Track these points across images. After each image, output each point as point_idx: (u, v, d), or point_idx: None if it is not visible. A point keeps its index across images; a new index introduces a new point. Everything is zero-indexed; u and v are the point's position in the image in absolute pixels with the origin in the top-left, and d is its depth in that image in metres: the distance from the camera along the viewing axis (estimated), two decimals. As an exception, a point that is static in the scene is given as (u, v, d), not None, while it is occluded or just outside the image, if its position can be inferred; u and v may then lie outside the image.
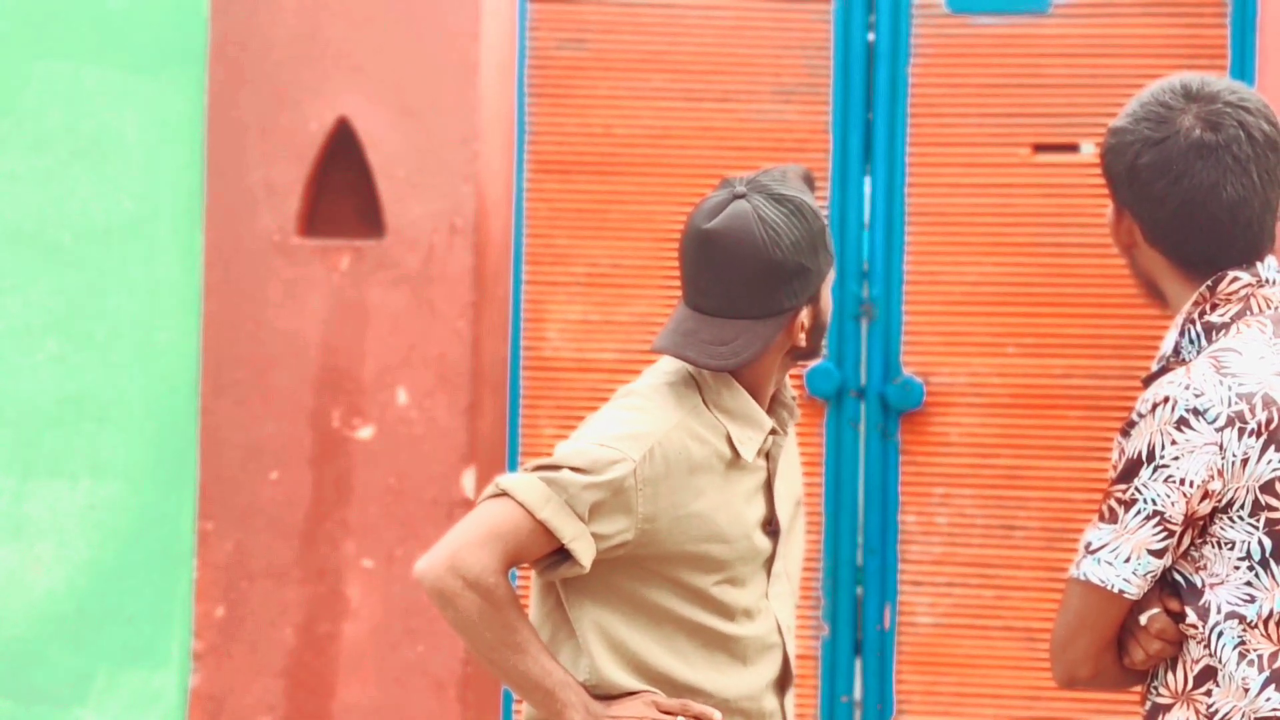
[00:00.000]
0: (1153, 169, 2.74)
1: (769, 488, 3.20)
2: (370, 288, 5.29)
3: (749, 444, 3.14)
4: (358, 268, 5.31)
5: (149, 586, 5.40)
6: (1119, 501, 2.66)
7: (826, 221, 3.15)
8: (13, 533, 5.45)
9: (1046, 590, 5.25)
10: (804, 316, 3.12)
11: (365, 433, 5.30)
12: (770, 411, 3.20)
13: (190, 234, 5.40)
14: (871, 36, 5.32)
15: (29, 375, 5.45)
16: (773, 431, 3.18)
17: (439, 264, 5.26)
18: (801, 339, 3.14)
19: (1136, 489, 2.65)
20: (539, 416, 5.43)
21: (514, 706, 5.45)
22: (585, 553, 3.01)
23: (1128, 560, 2.66)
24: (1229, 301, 2.73)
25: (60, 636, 5.43)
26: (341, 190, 5.37)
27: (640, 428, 3.08)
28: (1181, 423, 2.63)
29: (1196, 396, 2.63)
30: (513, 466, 5.43)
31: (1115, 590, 2.67)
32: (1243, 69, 5.15)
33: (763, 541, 3.17)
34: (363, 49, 5.29)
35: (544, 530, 3.00)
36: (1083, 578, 2.70)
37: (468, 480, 5.26)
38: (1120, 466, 2.67)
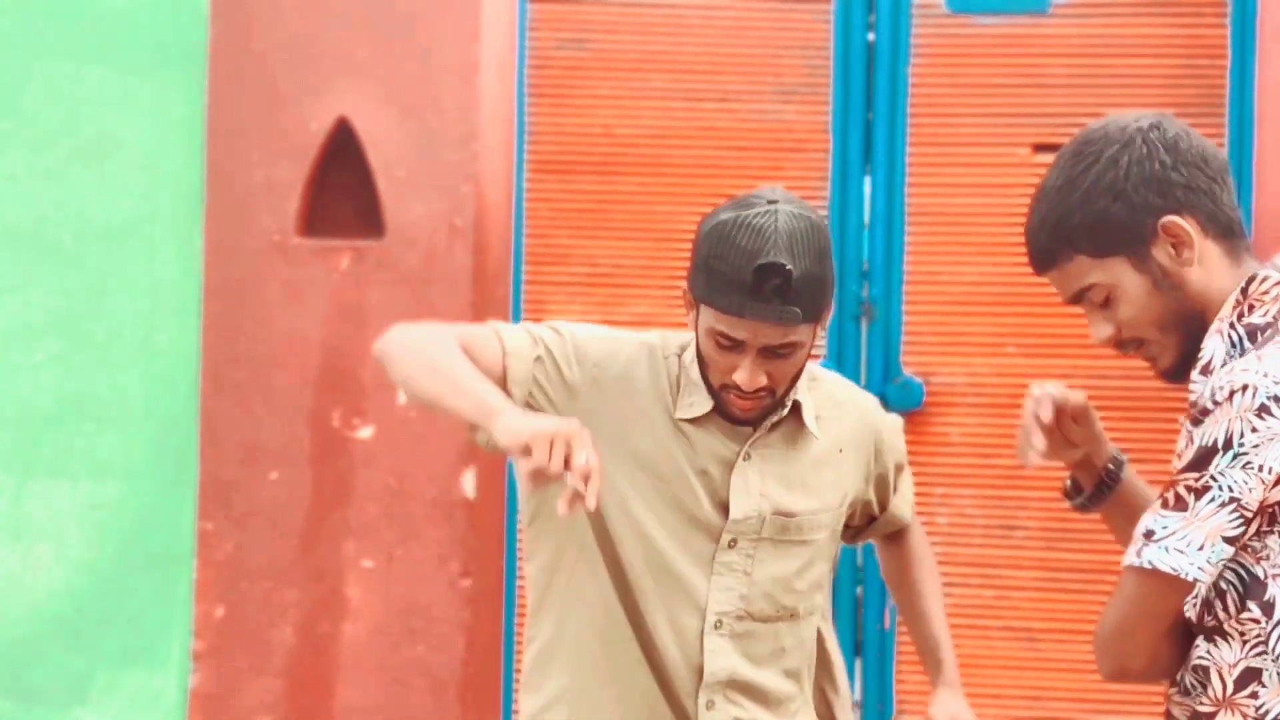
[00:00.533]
0: (1174, 151, 2.72)
1: (729, 469, 3.20)
2: (370, 288, 5.29)
3: (688, 407, 3.20)
4: (358, 268, 5.31)
5: (149, 586, 5.39)
6: (1189, 489, 2.63)
7: (714, 264, 3.08)
8: (13, 533, 5.45)
9: (1046, 590, 5.25)
10: (691, 318, 3.18)
11: (365, 433, 5.30)
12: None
13: (190, 234, 5.40)
14: (871, 36, 5.32)
15: (29, 375, 5.45)
16: (739, 421, 3.19)
17: (439, 264, 5.26)
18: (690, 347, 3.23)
19: (1211, 476, 2.61)
20: (539, 416, 5.42)
21: (514, 707, 5.45)
22: (515, 367, 3.17)
23: (1201, 548, 2.63)
24: (1262, 302, 2.72)
25: (60, 637, 5.42)
26: (341, 190, 5.36)
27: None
28: (1263, 410, 2.60)
29: (1276, 384, 2.62)
30: (512, 466, 5.42)
31: (1190, 579, 2.64)
32: (1243, 69, 5.15)
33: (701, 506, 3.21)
34: (363, 49, 5.29)
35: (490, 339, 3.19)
36: (1148, 565, 2.67)
37: (468, 480, 5.26)
38: (1191, 455, 2.63)
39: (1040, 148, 5.26)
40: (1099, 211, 2.71)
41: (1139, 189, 2.71)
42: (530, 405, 3.18)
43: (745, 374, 3.09)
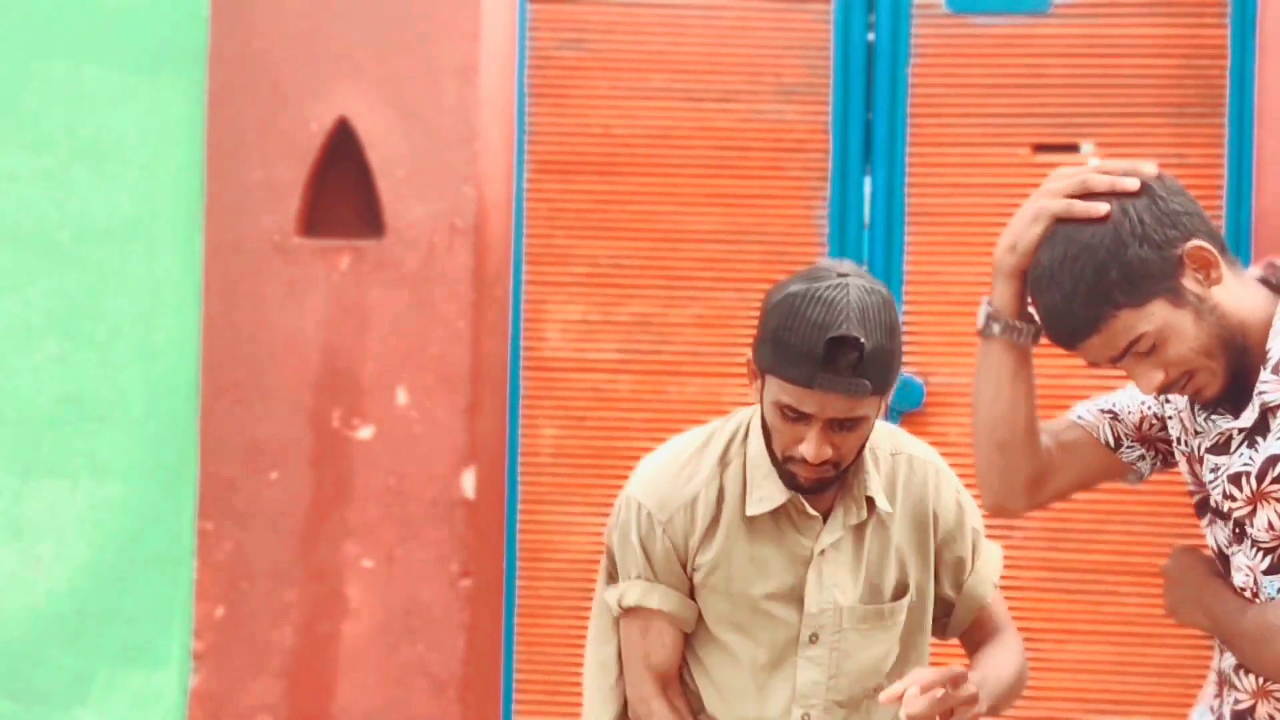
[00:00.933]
0: (1163, 184, 2.75)
1: (805, 564, 3.23)
2: (370, 288, 5.29)
3: (758, 503, 3.22)
4: (358, 268, 5.31)
5: (149, 586, 5.39)
6: None
7: (784, 336, 3.07)
8: (13, 533, 5.45)
9: (1046, 590, 5.25)
10: (755, 388, 3.19)
11: (365, 433, 5.30)
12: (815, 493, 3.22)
13: (190, 234, 5.40)
14: (871, 36, 5.32)
15: (29, 375, 5.45)
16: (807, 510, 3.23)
17: (439, 264, 5.26)
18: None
19: None
20: (539, 416, 5.43)
21: (514, 707, 5.45)
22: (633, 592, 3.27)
23: None
24: None
25: (60, 636, 5.42)
26: (341, 190, 5.36)
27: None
28: None
29: None
30: (512, 466, 5.43)
31: None
32: (1242, 69, 5.15)
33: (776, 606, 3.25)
34: (363, 49, 5.29)
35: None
36: None
37: (468, 480, 5.26)
38: None
39: (1040, 148, 5.26)
40: (1130, 260, 2.71)
41: (1156, 228, 2.72)
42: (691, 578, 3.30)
43: (812, 446, 3.06)
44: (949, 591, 3.36)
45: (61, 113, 5.44)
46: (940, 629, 3.40)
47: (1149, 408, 2.96)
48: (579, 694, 5.14)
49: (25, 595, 5.44)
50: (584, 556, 5.32)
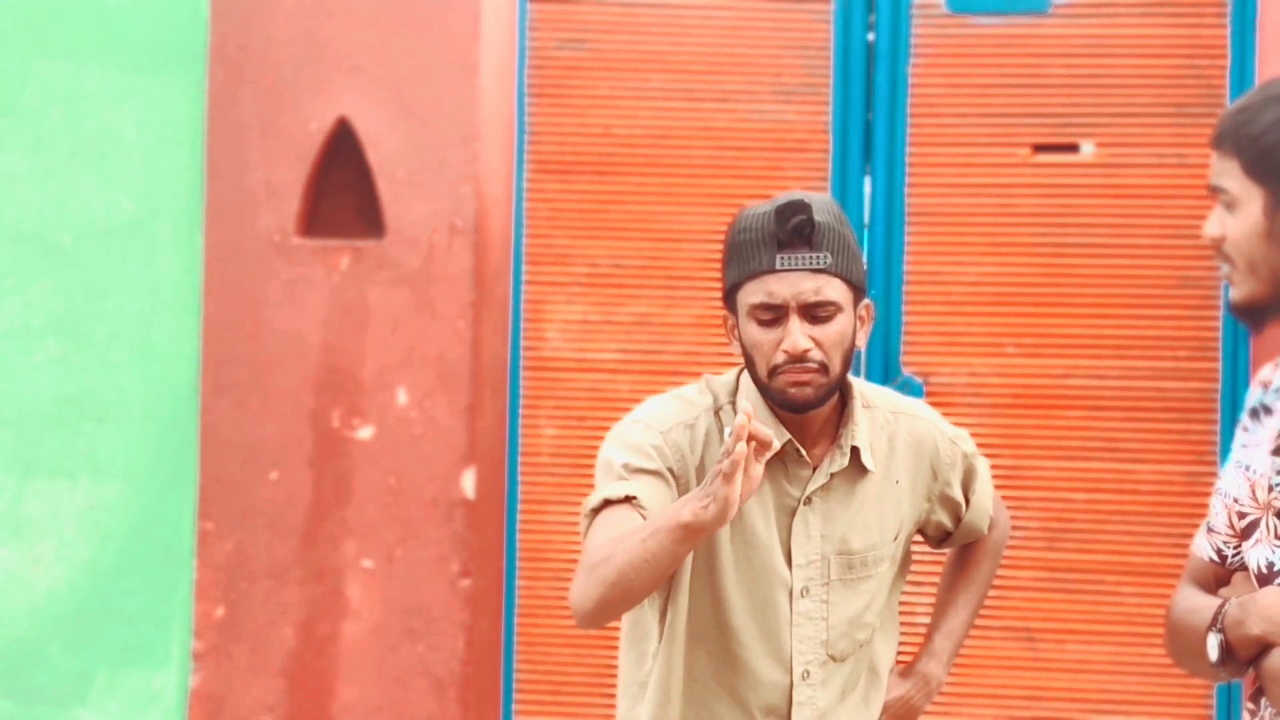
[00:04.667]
0: None
1: (790, 515, 3.22)
2: (370, 288, 5.29)
3: None
4: (358, 268, 5.31)
5: (149, 586, 5.40)
6: None
7: (741, 238, 3.15)
8: (13, 533, 5.45)
9: (1046, 590, 5.25)
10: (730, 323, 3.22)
11: (365, 433, 5.30)
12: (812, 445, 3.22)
13: (190, 234, 5.40)
14: (871, 36, 5.32)
15: (29, 375, 5.45)
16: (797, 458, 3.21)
17: (439, 264, 5.26)
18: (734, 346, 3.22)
19: None
20: (539, 416, 5.43)
21: (514, 706, 5.45)
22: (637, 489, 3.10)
23: None
24: None
25: (60, 636, 5.43)
26: (341, 190, 5.36)
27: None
28: None
29: None
30: (513, 466, 5.43)
31: None
32: (1243, 69, 5.15)
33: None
34: (363, 49, 5.29)
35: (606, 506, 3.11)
36: None
37: (468, 480, 5.26)
38: None
39: (1040, 148, 5.26)
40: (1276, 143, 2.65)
41: None
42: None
43: (790, 337, 3.10)
44: (948, 524, 3.42)
45: (61, 113, 5.44)
46: (935, 543, 3.47)
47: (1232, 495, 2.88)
48: (579, 694, 5.14)
49: (25, 595, 5.44)
50: (584, 556, 5.32)
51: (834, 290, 3.11)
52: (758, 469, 2.82)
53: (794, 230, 3.08)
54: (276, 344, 5.32)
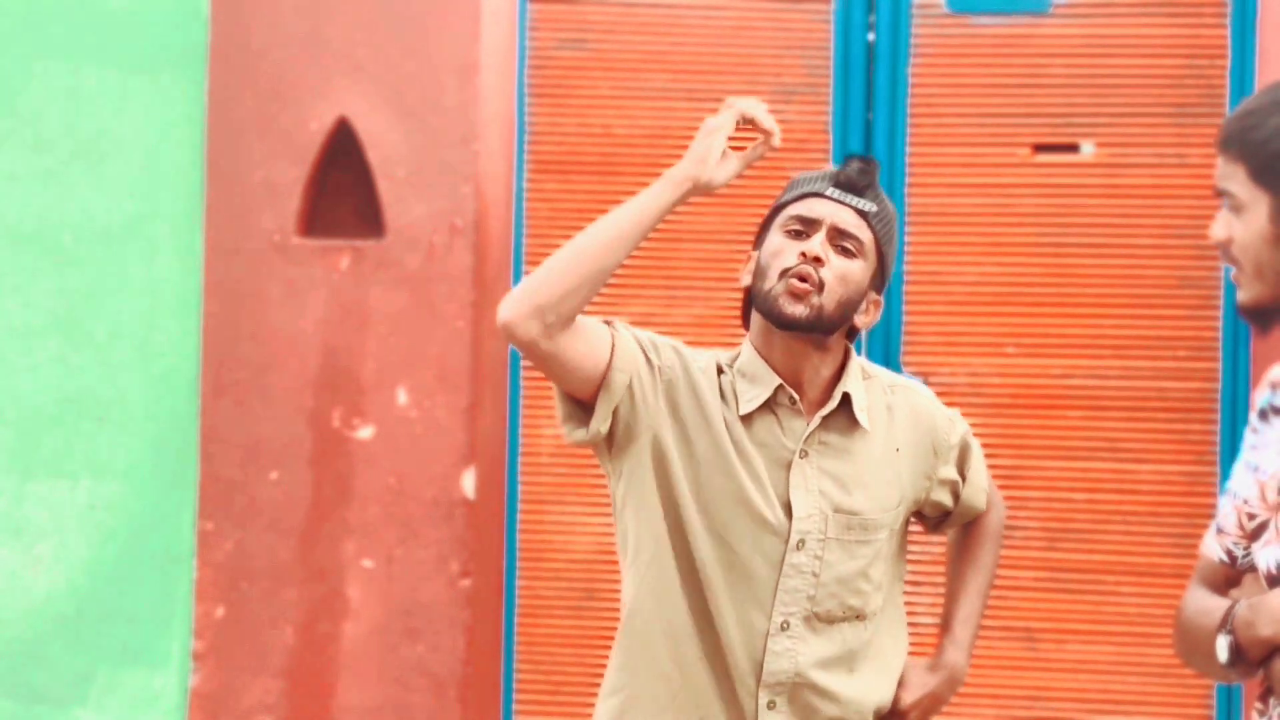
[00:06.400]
0: None
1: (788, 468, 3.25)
2: (370, 288, 5.30)
3: (748, 402, 3.28)
4: (358, 268, 5.31)
5: (149, 586, 5.40)
6: None
7: (802, 174, 3.36)
8: (13, 533, 5.45)
9: (1046, 590, 5.25)
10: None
11: (365, 433, 5.30)
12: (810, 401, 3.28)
13: (190, 234, 5.40)
14: (871, 36, 5.32)
15: (29, 375, 5.45)
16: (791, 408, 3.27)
17: (439, 264, 5.26)
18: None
19: None
20: (539, 416, 5.43)
21: (514, 707, 5.45)
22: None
23: None
24: None
25: (60, 636, 5.43)
26: (341, 190, 5.37)
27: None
28: None
29: None
30: (513, 466, 5.43)
31: None
32: (1243, 69, 5.15)
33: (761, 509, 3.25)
34: (363, 49, 5.29)
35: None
36: None
37: (468, 480, 5.26)
38: None
39: (1040, 148, 5.26)
40: None
41: None
42: (630, 390, 3.27)
43: (810, 244, 3.22)
44: (947, 502, 3.43)
45: (61, 113, 5.44)
46: (931, 527, 3.48)
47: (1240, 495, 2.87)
48: (579, 694, 5.14)
49: (25, 595, 5.44)
50: (584, 556, 5.32)
51: (866, 234, 3.25)
52: (740, 158, 3.23)
53: (856, 172, 3.25)
54: (276, 344, 5.33)
